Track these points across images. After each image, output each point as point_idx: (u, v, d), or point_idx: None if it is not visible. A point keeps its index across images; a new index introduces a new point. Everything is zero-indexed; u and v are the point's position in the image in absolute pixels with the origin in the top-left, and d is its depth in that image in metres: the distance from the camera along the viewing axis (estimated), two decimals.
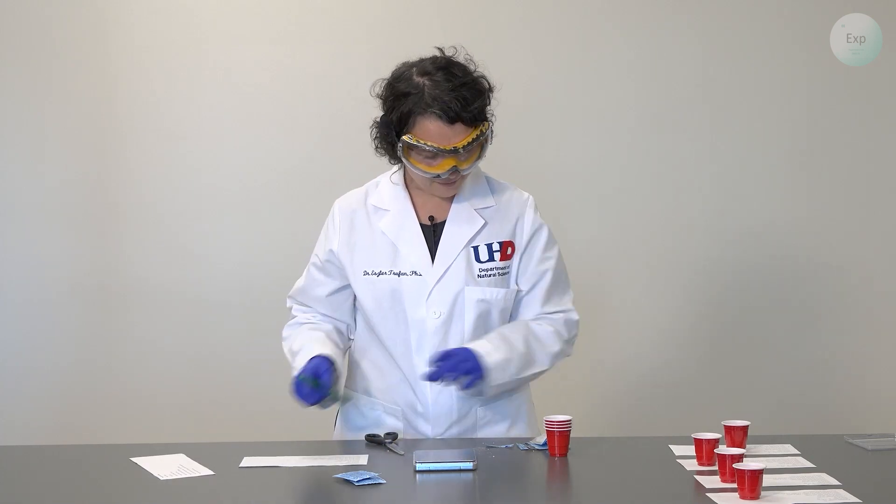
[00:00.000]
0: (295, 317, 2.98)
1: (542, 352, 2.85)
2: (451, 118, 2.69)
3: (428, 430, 2.86)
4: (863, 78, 4.31)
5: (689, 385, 4.37)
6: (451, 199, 2.86)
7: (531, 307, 2.90)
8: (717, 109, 4.33)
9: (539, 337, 2.86)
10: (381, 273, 2.83)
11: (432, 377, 2.73)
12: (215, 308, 4.30)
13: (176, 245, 4.29)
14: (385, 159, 2.86)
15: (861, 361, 4.40)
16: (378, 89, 2.81)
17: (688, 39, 4.31)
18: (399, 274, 2.82)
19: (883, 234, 4.37)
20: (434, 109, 2.69)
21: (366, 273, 2.84)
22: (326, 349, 2.79)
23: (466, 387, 2.75)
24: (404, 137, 2.73)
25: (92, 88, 4.27)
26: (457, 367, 2.72)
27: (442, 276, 2.82)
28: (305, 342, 2.83)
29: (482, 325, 2.84)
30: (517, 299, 2.90)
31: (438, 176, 2.75)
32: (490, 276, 2.84)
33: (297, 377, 2.73)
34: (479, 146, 2.75)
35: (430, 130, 2.71)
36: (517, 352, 2.80)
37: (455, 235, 2.84)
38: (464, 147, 2.71)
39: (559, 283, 2.92)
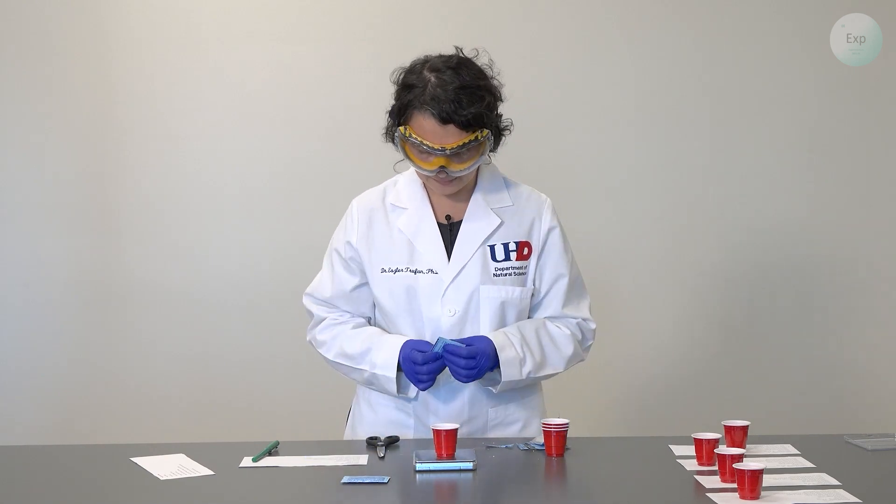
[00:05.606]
0: (320, 317, 2.92)
1: (556, 354, 2.87)
2: (444, 119, 2.69)
3: None
4: (866, 76, 4.31)
5: (689, 385, 4.37)
6: (467, 199, 2.86)
7: (549, 310, 2.91)
8: (720, 108, 4.33)
9: (554, 338, 2.87)
10: (397, 270, 2.84)
11: (448, 349, 2.73)
12: (215, 308, 4.30)
13: (176, 245, 4.29)
14: (387, 155, 2.86)
15: (861, 361, 4.40)
16: (395, 77, 2.81)
17: (690, 39, 4.31)
18: (415, 271, 2.83)
19: (884, 235, 4.37)
20: (429, 107, 2.69)
21: (383, 270, 2.85)
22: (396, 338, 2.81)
23: (469, 378, 2.74)
24: (399, 129, 2.75)
25: (92, 88, 4.27)
26: (479, 364, 2.72)
27: (458, 275, 2.82)
28: (369, 337, 2.84)
29: (498, 324, 2.84)
30: (535, 302, 2.91)
31: (430, 172, 2.76)
32: (506, 275, 2.84)
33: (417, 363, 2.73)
34: (474, 151, 2.75)
35: (424, 127, 2.71)
36: (533, 352, 2.82)
37: (471, 234, 2.84)
38: (453, 149, 2.71)
39: (575, 287, 2.92)
